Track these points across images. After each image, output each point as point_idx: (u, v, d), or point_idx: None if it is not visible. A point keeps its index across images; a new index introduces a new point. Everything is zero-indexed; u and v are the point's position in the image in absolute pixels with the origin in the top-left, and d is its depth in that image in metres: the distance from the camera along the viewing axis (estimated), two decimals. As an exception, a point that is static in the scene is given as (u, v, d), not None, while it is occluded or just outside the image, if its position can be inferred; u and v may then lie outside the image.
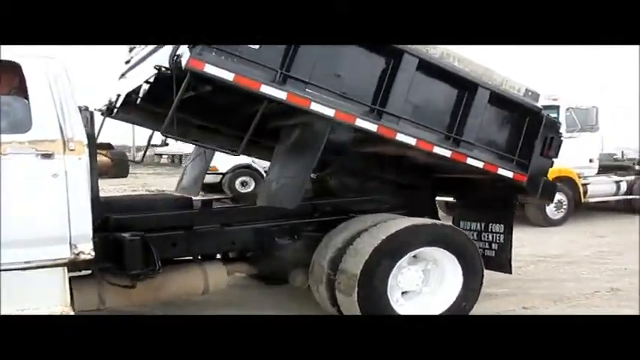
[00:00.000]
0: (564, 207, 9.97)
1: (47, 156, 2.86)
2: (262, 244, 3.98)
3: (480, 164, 4.11)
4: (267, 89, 3.20)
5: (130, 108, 4.30)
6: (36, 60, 3.00)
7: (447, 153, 3.94)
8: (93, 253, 2.99)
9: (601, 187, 10.98)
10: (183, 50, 2.98)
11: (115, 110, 4.29)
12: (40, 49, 3.10)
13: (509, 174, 4.30)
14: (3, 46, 2.99)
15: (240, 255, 4.09)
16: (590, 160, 10.78)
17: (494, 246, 4.60)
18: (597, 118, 10.62)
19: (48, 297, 2.89)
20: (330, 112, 3.41)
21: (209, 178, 15.02)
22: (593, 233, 9.11)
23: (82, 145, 2.97)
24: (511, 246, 4.58)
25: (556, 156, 4.57)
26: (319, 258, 3.89)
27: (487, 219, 4.72)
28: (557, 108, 10.06)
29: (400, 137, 3.71)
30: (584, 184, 10.44)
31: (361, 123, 3.56)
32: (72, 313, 2.94)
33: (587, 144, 10.43)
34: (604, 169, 11.76)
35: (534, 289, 5.27)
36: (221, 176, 14.57)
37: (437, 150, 3.89)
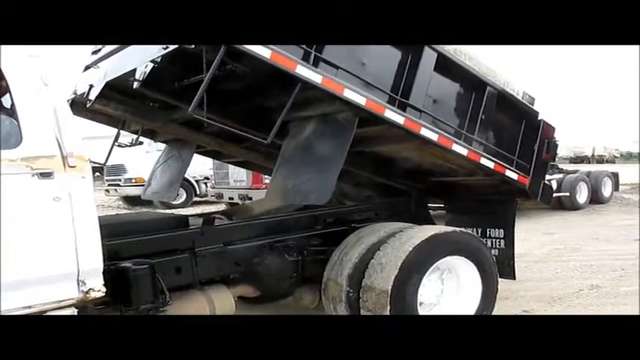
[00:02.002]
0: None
1: (46, 175, 2.33)
2: (269, 262, 3.59)
3: (491, 164, 4.01)
4: (302, 70, 2.95)
5: (108, 98, 3.87)
6: (20, 60, 2.45)
7: (463, 151, 3.81)
8: (104, 290, 2.48)
9: (535, 186, 11.48)
10: None
11: (89, 103, 3.73)
12: (21, 47, 2.56)
13: (515, 176, 4.23)
14: None
15: (243, 276, 3.66)
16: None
17: (494, 252, 4.50)
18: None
19: (52, 347, 2.35)
20: (361, 100, 3.19)
21: (135, 191, 14.22)
22: (539, 231, 9.46)
23: (83, 161, 2.47)
24: (514, 251, 4.50)
25: (553, 159, 4.57)
26: (334, 275, 3.57)
27: (484, 224, 4.63)
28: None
29: (424, 132, 3.54)
30: (522, 184, 10.85)
31: (390, 114, 3.36)
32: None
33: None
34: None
35: (522, 291, 5.24)
36: (149, 187, 13.73)
37: (455, 147, 3.75)
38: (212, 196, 12.88)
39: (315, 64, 3.07)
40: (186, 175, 14.16)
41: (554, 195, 12.11)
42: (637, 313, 4.27)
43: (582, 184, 12.98)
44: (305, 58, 3.03)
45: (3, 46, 2.40)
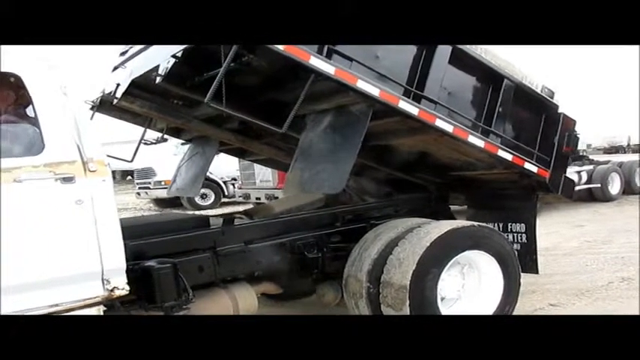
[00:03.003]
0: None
1: (68, 180, 2.44)
2: (290, 260, 3.65)
3: (509, 157, 3.98)
4: (316, 61, 2.99)
5: (135, 96, 4.04)
6: (39, 69, 2.56)
7: (480, 143, 3.79)
8: (128, 288, 2.58)
9: (565, 178, 11.27)
10: None
11: (115, 100, 3.90)
12: (34, 54, 2.67)
13: (535, 168, 4.18)
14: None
15: (265, 274, 3.72)
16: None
17: (516, 246, 4.44)
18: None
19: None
20: (374, 91, 3.21)
21: (165, 193, 14.51)
22: (570, 224, 9.27)
23: (103, 166, 2.56)
24: (536, 245, 4.45)
25: (574, 152, 4.51)
26: (354, 271, 3.60)
27: (505, 219, 4.59)
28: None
29: (439, 123, 3.54)
30: (551, 176, 10.67)
31: (404, 105, 3.37)
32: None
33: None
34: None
35: (549, 284, 5.19)
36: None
37: (471, 139, 3.73)
38: (239, 196, 13.05)
39: (329, 56, 3.11)
40: (214, 177, 14.61)
41: (585, 187, 11.98)
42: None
43: (614, 175, 12.66)
44: (319, 50, 3.08)
45: (13, 49, 2.51)
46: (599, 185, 12.18)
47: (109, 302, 2.59)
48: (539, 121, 4.44)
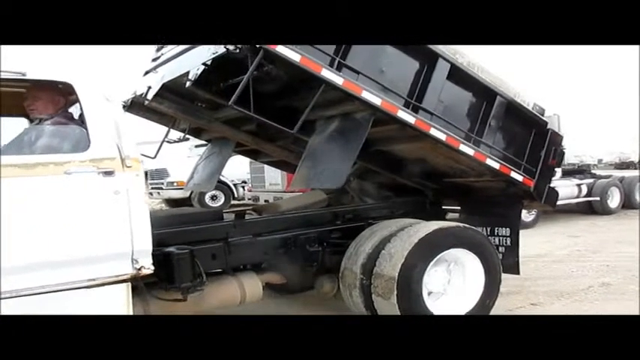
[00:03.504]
0: (534, 210, 10.46)
1: (108, 174, 2.89)
2: (293, 253, 4.09)
3: (496, 165, 4.40)
4: (327, 73, 3.46)
5: (163, 98, 4.51)
6: (88, 79, 3.03)
7: (470, 151, 4.22)
8: (152, 268, 3.02)
9: (565, 190, 11.57)
10: None
11: (146, 102, 4.38)
12: (84, 65, 3.14)
13: (520, 177, 4.60)
14: (46, 66, 3.04)
15: (270, 265, 4.17)
16: (555, 165, 11.37)
17: (501, 249, 4.86)
18: (559, 125, 11.25)
19: (112, 314, 2.90)
20: (377, 100, 3.67)
21: (177, 194, 15.01)
22: (565, 234, 9.61)
23: (137, 162, 3.02)
24: (519, 248, 4.86)
25: (559, 165, 4.93)
26: (350, 264, 4.03)
27: (492, 224, 4.99)
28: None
29: (433, 132, 3.98)
30: (551, 189, 11.01)
31: (402, 115, 3.83)
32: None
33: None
34: (566, 173, 12.46)
35: (534, 287, 5.59)
36: (190, 191, 14.50)
37: (462, 147, 4.16)
38: (249, 199, 13.50)
39: (339, 69, 3.58)
40: (225, 179, 15.00)
41: (585, 200, 12.32)
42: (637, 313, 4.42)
43: (614, 189, 12.96)
44: (330, 63, 3.54)
45: (65, 59, 2.98)
46: (598, 199, 12.50)
47: (136, 280, 3.02)
48: (528, 136, 4.86)
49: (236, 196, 15.63)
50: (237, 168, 13.25)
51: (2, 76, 2.80)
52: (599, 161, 14.52)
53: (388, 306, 3.73)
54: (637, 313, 4.42)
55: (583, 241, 8.75)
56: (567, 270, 6.47)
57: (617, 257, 7.20)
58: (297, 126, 3.60)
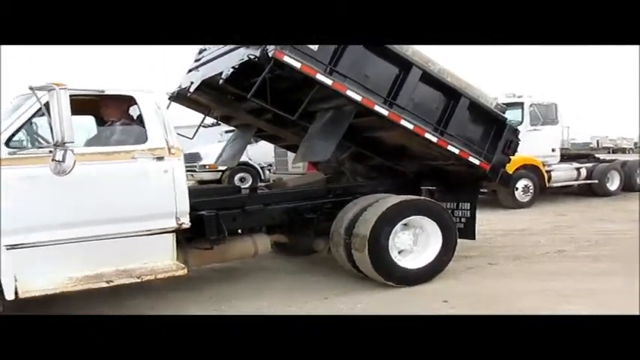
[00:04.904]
0: (531, 191, 11.41)
1: (160, 159, 4.25)
2: (294, 219, 5.39)
3: (456, 150, 5.58)
4: (320, 76, 4.71)
5: (202, 91, 5.78)
6: (146, 93, 4.36)
7: (434, 139, 5.42)
8: (189, 224, 4.37)
9: (563, 173, 12.51)
10: (272, 47, 4.44)
11: (188, 94, 5.73)
12: (139, 84, 4.48)
13: (477, 162, 5.77)
14: (112, 82, 4.38)
15: (277, 228, 5.49)
16: (553, 150, 12.32)
17: (463, 220, 6.08)
18: (557, 113, 12.21)
19: (162, 254, 4.26)
20: (358, 97, 4.89)
21: (209, 176, 16.48)
22: (555, 212, 10.57)
23: (179, 150, 4.36)
24: (475, 219, 6.05)
25: (513, 154, 6.09)
26: (337, 228, 5.29)
27: (458, 199, 6.21)
28: (521, 105, 11.70)
29: (403, 122, 5.19)
30: (548, 171, 11.93)
31: (378, 108, 5.05)
32: (182, 267, 4.27)
33: (549, 135, 12.04)
34: (568, 158, 13.36)
35: (500, 252, 6.74)
36: (220, 173, 15.99)
37: (427, 135, 5.37)
38: (273, 180, 14.86)
39: (330, 73, 4.79)
40: (252, 163, 16.34)
41: (584, 182, 13.19)
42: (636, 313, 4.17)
43: (614, 173, 13.70)
44: (324, 69, 4.74)
45: (127, 82, 4.32)
46: (597, 181, 13.35)
47: (178, 232, 4.36)
48: (490, 129, 6.01)
49: (263, 178, 17.02)
50: (264, 153, 14.66)
51: (88, 92, 4.17)
52: (635, 145, 15.15)
53: (362, 257, 4.99)
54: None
55: (567, 219, 9.71)
56: (535, 240, 7.55)
57: (587, 231, 8.18)
58: (297, 114, 4.87)
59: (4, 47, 3.40)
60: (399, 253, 5.27)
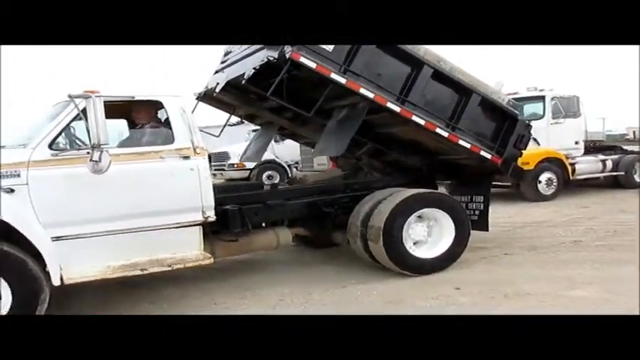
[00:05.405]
0: (554, 184, 11.46)
1: (186, 158, 4.62)
2: (313, 212, 5.70)
3: (467, 145, 5.80)
4: (334, 76, 4.99)
5: (227, 91, 6.11)
6: (173, 97, 4.74)
7: (445, 134, 5.66)
8: (214, 217, 4.73)
9: (588, 166, 12.46)
10: (289, 49, 4.72)
11: (214, 94, 6.09)
12: (166, 89, 4.86)
13: (489, 156, 5.98)
14: (142, 87, 4.77)
15: (298, 221, 5.82)
16: (576, 142, 12.29)
17: (476, 212, 6.30)
18: (579, 106, 12.20)
19: (190, 245, 4.63)
20: (371, 95, 5.17)
21: (237, 174, 16.96)
22: (578, 205, 10.55)
23: (204, 150, 4.73)
24: (488, 211, 6.26)
25: (524, 149, 6.27)
26: (354, 220, 5.59)
27: (472, 193, 6.43)
28: (543, 98, 11.76)
29: (415, 118, 5.44)
30: (572, 164, 11.92)
31: (390, 105, 5.31)
32: (209, 257, 4.63)
33: (572, 128, 12.04)
34: (593, 150, 13.30)
35: (516, 243, 6.92)
36: (249, 172, 16.47)
37: (439, 131, 5.60)
38: (299, 178, 15.22)
39: (344, 73, 5.06)
40: (279, 160, 16.78)
41: (610, 174, 13.11)
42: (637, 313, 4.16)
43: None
44: (338, 69, 5.02)
45: (155, 88, 4.70)
46: (623, 173, 13.26)
47: (204, 225, 4.73)
48: (502, 124, 6.20)
49: (289, 175, 17.41)
50: (291, 151, 15.06)
51: (120, 98, 4.56)
52: (622, 136, 15.05)
53: (378, 248, 5.28)
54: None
55: (589, 211, 9.70)
56: (554, 232, 7.67)
57: (608, 223, 8.20)
58: (313, 110, 5.19)
59: (4, 47, 3.48)
60: (414, 244, 5.53)
